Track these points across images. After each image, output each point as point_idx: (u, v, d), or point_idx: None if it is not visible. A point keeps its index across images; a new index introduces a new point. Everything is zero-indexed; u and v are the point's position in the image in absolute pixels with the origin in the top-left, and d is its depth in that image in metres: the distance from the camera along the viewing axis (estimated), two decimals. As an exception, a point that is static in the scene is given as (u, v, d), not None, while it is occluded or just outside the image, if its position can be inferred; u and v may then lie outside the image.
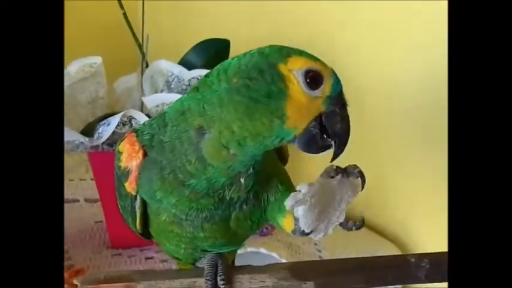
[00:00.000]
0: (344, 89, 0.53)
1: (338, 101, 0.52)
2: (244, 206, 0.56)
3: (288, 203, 0.53)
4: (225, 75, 0.51)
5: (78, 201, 1.18)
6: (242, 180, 0.54)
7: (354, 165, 0.55)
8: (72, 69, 0.92)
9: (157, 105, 0.87)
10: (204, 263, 0.58)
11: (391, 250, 1.06)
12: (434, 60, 0.94)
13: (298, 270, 0.57)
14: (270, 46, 0.52)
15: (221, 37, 0.97)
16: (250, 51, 0.53)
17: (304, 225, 0.53)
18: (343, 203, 0.54)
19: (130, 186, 0.57)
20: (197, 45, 0.98)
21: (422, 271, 0.58)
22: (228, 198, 0.55)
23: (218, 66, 0.53)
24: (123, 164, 0.57)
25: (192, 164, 0.52)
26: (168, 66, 0.95)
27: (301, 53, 0.52)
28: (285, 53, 0.51)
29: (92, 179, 1.16)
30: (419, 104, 1.00)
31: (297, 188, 0.54)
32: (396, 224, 1.12)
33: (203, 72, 0.89)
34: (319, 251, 1.02)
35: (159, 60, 0.96)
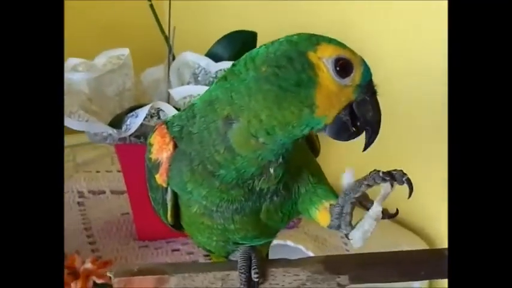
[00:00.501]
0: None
1: (368, 89, 0.51)
2: (275, 198, 0.56)
3: (357, 240, 0.53)
4: (252, 63, 0.51)
5: (104, 192, 1.19)
6: (271, 170, 0.53)
7: (401, 171, 0.53)
8: (100, 62, 0.93)
9: (184, 97, 0.87)
10: (237, 256, 0.57)
11: (419, 244, 1.04)
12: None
13: (331, 263, 0.57)
14: (299, 34, 0.52)
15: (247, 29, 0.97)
16: (278, 39, 0.52)
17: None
18: None
19: (161, 178, 0.57)
20: (224, 37, 0.97)
21: (458, 265, 0.57)
22: (257, 189, 0.54)
23: (245, 55, 0.53)
24: (153, 156, 0.57)
25: (220, 154, 0.52)
26: (194, 58, 0.95)
27: (330, 40, 0.51)
28: (314, 40, 0.50)
29: (118, 171, 1.17)
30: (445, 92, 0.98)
31: (365, 226, 0.53)
32: (424, 218, 1.11)
33: (230, 64, 0.89)
34: (346, 244, 1.01)
35: (185, 52, 0.96)
